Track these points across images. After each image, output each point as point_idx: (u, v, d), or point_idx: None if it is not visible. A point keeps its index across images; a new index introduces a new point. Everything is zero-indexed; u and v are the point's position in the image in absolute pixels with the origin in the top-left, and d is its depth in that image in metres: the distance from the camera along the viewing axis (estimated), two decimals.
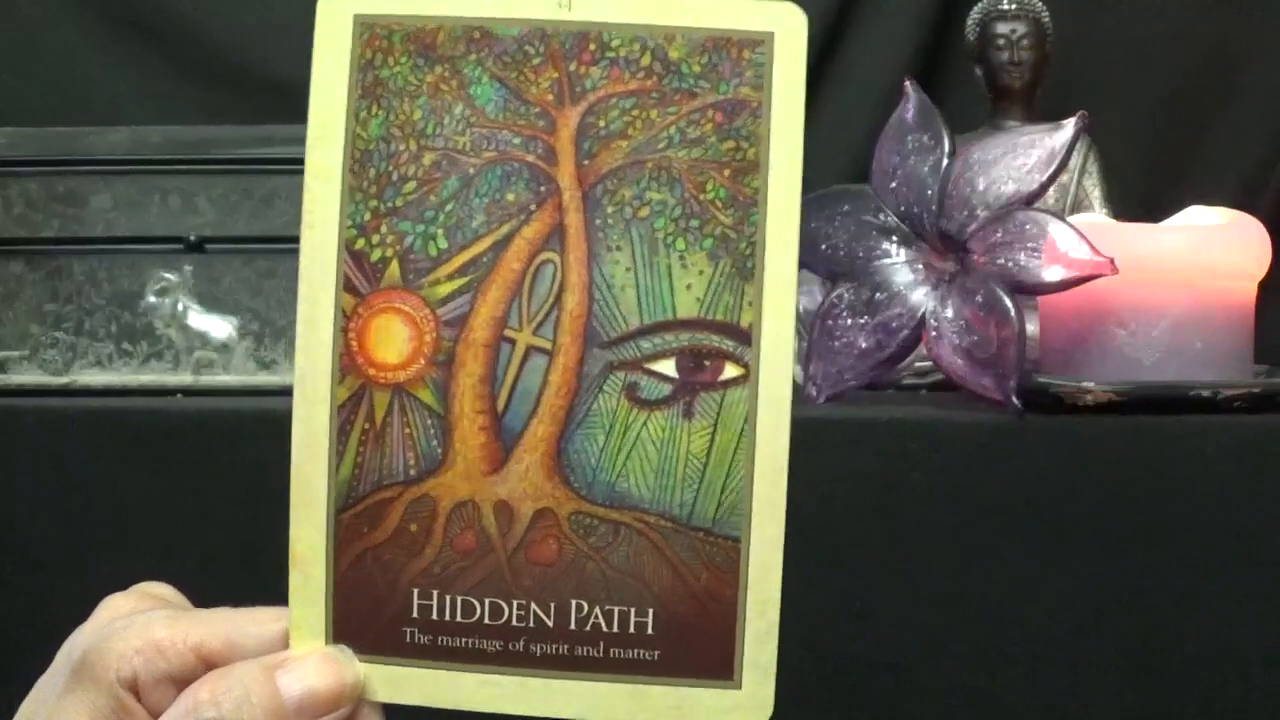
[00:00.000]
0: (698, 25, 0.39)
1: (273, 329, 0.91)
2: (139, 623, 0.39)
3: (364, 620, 0.39)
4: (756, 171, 0.39)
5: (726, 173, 0.39)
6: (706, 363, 0.39)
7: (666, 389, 0.39)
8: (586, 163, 0.39)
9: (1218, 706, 0.74)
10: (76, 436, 0.81)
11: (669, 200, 0.39)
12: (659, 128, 0.39)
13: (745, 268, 0.39)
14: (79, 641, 0.40)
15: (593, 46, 0.39)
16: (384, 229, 0.39)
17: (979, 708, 0.75)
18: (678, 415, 0.39)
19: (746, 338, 0.39)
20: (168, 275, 0.92)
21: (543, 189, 0.39)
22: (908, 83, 0.86)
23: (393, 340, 0.39)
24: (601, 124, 0.39)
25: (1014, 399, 0.76)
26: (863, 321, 0.83)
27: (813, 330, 0.84)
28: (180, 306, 0.92)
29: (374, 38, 0.39)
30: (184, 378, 0.91)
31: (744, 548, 0.39)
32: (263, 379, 0.91)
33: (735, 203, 0.39)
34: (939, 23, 1.27)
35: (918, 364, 0.90)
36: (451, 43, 0.39)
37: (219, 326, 0.92)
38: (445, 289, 0.39)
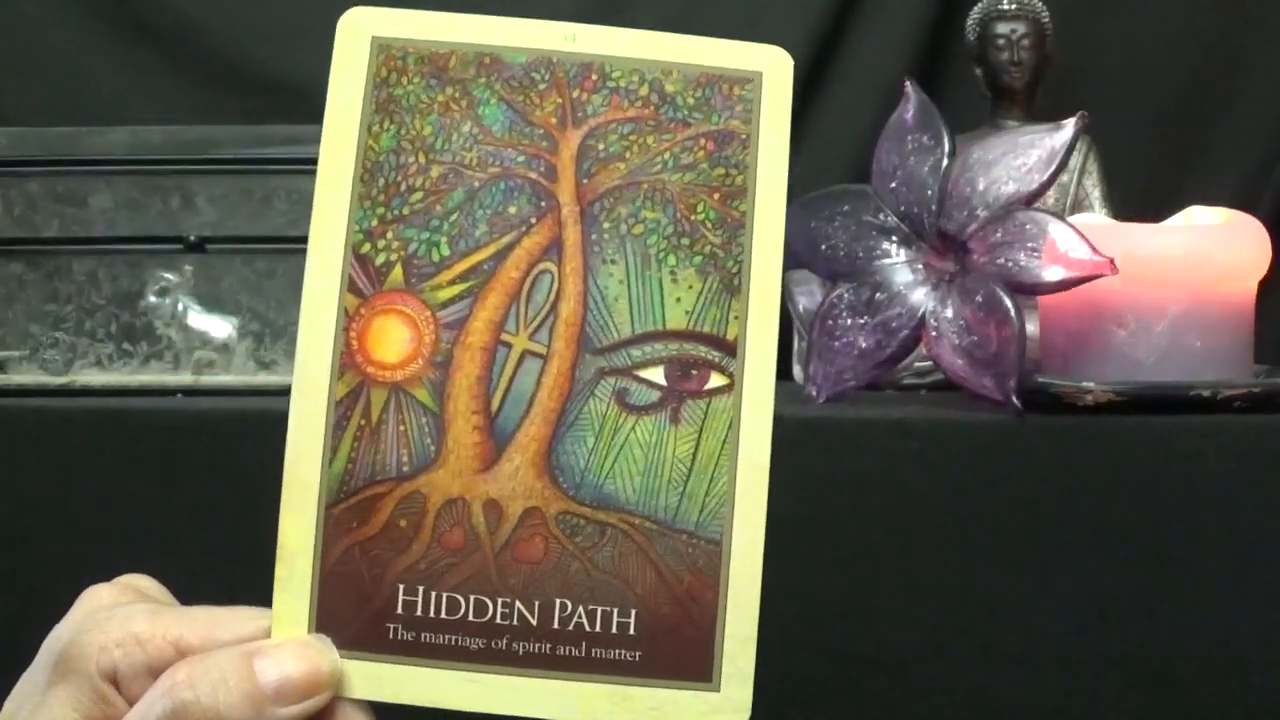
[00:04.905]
0: (693, 63, 0.42)
1: (273, 329, 0.91)
2: (120, 615, 0.40)
3: (347, 615, 0.40)
4: (744, 196, 0.41)
5: (716, 196, 0.41)
6: (693, 372, 0.41)
7: (655, 395, 0.41)
8: (586, 181, 0.41)
9: (1217, 706, 0.74)
10: (76, 436, 0.81)
11: (662, 219, 0.41)
12: (654, 153, 0.42)
13: (732, 284, 0.41)
14: (60, 634, 0.40)
15: (595, 76, 0.42)
16: (390, 235, 0.41)
17: (979, 708, 0.75)
18: (665, 421, 0.41)
19: (732, 350, 0.41)
20: (168, 275, 0.92)
21: (543, 204, 0.41)
22: (908, 83, 0.86)
23: (392, 340, 0.41)
24: (601, 147, 0.41)
25: (1014, 399, 0.76)
26: (863, 321, 0.83)
27: (813, 330, 0.84)
28: (180, 306, 0.92)
29: (390, 58, 0.42)
30: (184, 378, 0.91)
31: (725, 552, 0.40)
32: (263, 379, 0.91)
33: (724, 224, 0.41)
34: (939, 23, 1.27)
35: (918, 364, 0.90)
36: (463, 66, 0.42)
37: (219, 326, 0.92)
38: (446, 293, 0.41)
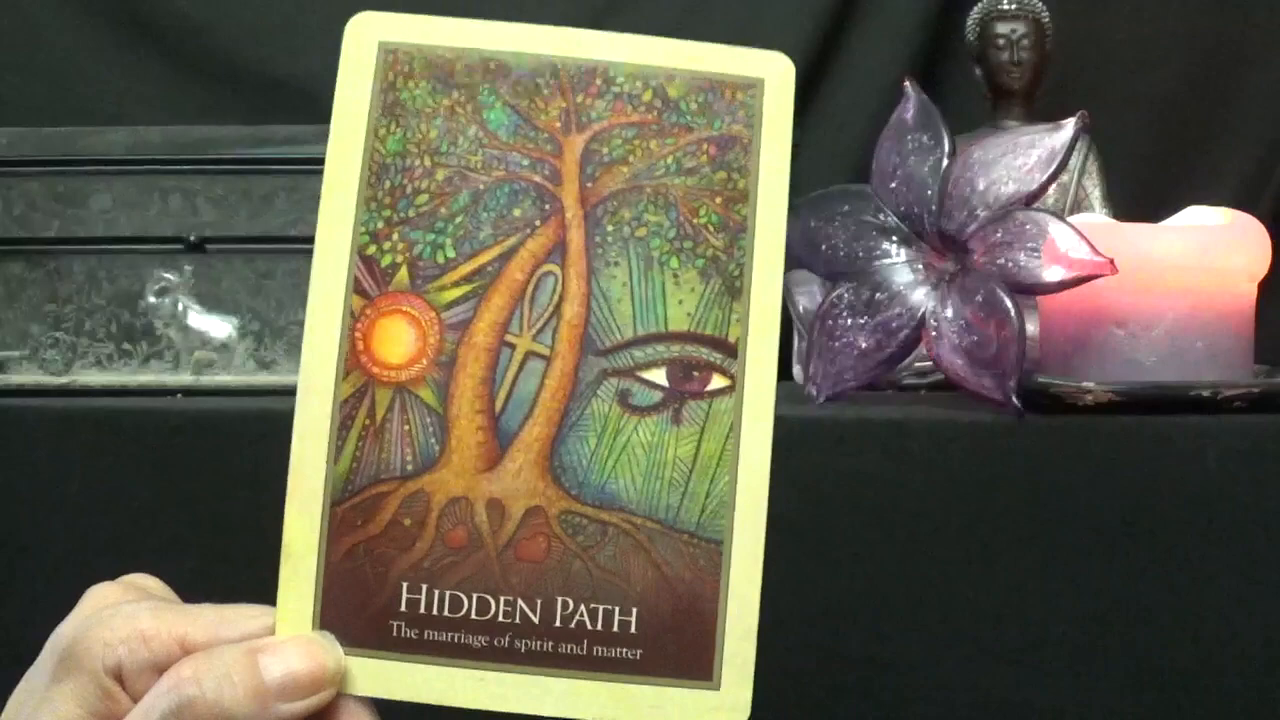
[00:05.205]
0: (696, 68, 0.43)
1: (272, 329, 0.91)
2: (124, 613, 0.40)
3: (351, 612, 0.41)
4: (745, 201, 0.42)
5: (718, 200, 0.42)
6: (695, 373, 0.41)
7: (657, 396, 0.41)
8: (589, 185, 0.42)
9: (1218, 706, 0.74)
10: (76, 436, 0.81)
11: (664, 223, 0.42)
12: (657, 157, 0.42)
13: (734, 287, 0.42)
14: (65, 631, 0.40)
15: (599, 81, 0.42)
16: (395, 237, 0.42)
17: (979, 708, 0.75)
18: (667, 421, 0.41)
19: (733, 351, 0.41)
20: (168, 275, 0.92)
21: (547, 207, 0.42)
22: (908, 83, 0.86)
23: (397, 341, 0.41)
24: (604, 151, 0.42)
25: (1014, 399, 0.76)
26: (863, 321, 0.83)
27: (813, 330, 0.84)
28: (180, 306, 0.92)
29: (396, 62, 0.42)
30: (184, 378, 0.91)
31: (726, 551, 0.41)
32: (263, 379, 0.91)
33: (726, 228, 0.42)
34: (939, 23, 1.27)
35: (918, 364, 0.90)
36: (469, 71, 0.42)
37: (219, 326, 0.92)
38: (451, 295, 0.42)
